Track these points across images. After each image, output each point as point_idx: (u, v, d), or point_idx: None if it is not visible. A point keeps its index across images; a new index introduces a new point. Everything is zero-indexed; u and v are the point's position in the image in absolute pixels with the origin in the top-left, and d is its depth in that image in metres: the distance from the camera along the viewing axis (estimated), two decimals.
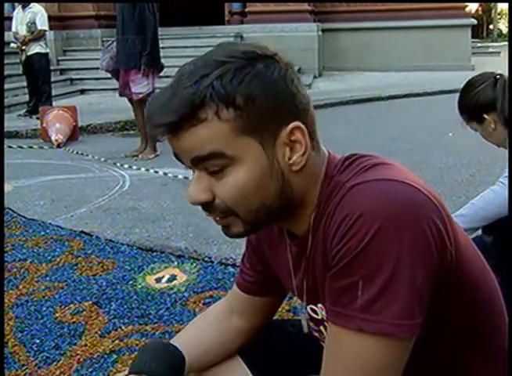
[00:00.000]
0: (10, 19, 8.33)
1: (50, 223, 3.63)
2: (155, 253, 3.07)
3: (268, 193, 0.85)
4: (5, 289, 2.62)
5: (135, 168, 5.17)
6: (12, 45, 8.14)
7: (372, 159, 0.89)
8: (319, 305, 0.96)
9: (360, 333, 0.77)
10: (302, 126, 0.84)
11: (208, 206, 0.87)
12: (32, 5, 8.05)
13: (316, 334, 1.04)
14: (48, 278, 2.78)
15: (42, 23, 7.98)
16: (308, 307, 0.99)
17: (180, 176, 4.59)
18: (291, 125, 0.83)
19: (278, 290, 1.12)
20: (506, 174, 1.72)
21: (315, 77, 12.08)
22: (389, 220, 0.77)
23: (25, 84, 8.47)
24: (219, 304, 1.24)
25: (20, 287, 2.69)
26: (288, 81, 0.84)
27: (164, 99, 0.81)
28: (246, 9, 12.95)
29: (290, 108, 0.84)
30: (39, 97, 8.05)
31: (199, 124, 0.80)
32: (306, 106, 0.86)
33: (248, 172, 0.83)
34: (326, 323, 0.96)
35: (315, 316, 0.99)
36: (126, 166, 5.23)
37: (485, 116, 1.78)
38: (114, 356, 2.08)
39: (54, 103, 8.09)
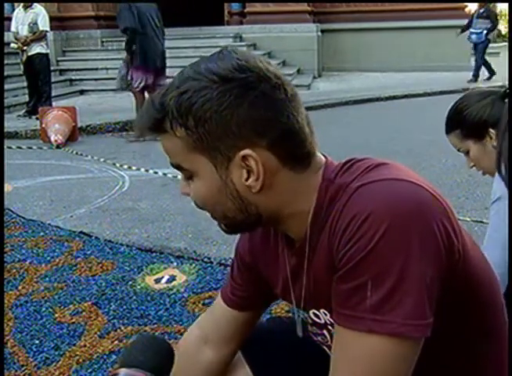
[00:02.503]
0: (9, 19, 8.32)
1: (49, 224, 3.63)
2: (154, 253, 3.07)
3: (226, 207, 0.88)
4: (5, 290, 2.62)
5: (134, 168, 5.17)
6: (12, 45, 8.14)
7: (372, 160, 0.89)
8: (322, 310, 0.95)
9: (371, 334, 0.76)
10: (253, 154, 0.82)
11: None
12: (34, 5, 8.05)
13: (319, 338, 1.03)
14: (47, 279, 2.78)
15: (44, 24, 7.98)
16: (311, 312, 0.98)
17: (179, 177, 4.56)
18: (242, 153, 0.83)
19: (265, 300, 1.14)
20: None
21: (314, 77, 12.07)
22: (398, 220, 0.76)
23: (24, 84, 8.46)
24: (190, 335, 1.21)
25: (20, 287, 2.69)
26: (251, 106, 0.81)
27: (148, 103, 0.87)
28: (246, 10, 12.93)
29: (245, 135, 0.82)
30: (39, 97, 8.05)
31: (163, 134, 0.86)
32: (282, 128, 0.83)
33: (203, 187, 0.88)
34: (330, 327, 0.96)
35: (317, 320, 0.98)
36: (125, 166, 5.24)
37: (491, 130, 1.59)
38: (114, 357, 2.08)
39: (53, 104, 8.08)
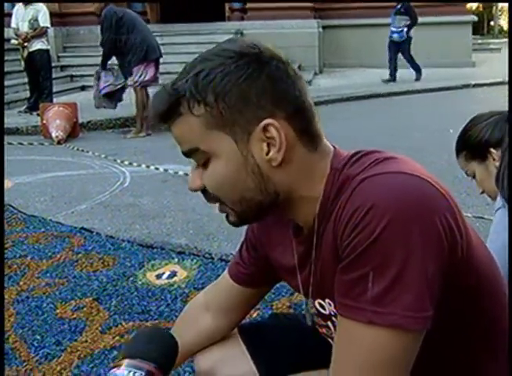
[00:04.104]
0: (9, 15, 8.31)
1: (50, 220, 3.63)
2: (155, 249, 3.07)
3: (246, 187, 0.88)
4: (6, 285, 2.62)
5: (135, 164, 5.16)
6: (13, 41, 8.13)
7: (380, 153, 0.89)
8: (327, 301, 0.95)
9: (371, 325, 0.77)
10: (275, 123, 0.84)
11: (204, 193, 0.92)
12: None
13: (323, 330, 1.04)
14: (48, 274, 2.78)
15: (44, 21, 7.97)
16: (316, 302, 0.99)
17: (181, 173, 4.58)
18: (264, 122, 0.84)
19: (270, 281, 1.16)
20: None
21: (315, 73, 12.06)
22: (400, 212, 0.76)
23: (25, 80, 8.45)
24: (196, 300, 1.27)
25: (21, 283, 2.69)
26: (269, 78, 0.84)
27: (160, 91, 0.88)
28: (247, 6, 12.92)
29: (265, 105, 0.84)
30: (40, 93, 8.05)
31: (178, 118, 0.86)
32: (296, 102, 0.87)
33: (224, 166, 0.87)
34: (334, 319, 0.96)
35: (322, 311, 0.99)
36: (126, 162, 5.23)
37: (492, 150, 1.56)
38: (115, 352, 2.08)
39: (54, 100, 8.08)
